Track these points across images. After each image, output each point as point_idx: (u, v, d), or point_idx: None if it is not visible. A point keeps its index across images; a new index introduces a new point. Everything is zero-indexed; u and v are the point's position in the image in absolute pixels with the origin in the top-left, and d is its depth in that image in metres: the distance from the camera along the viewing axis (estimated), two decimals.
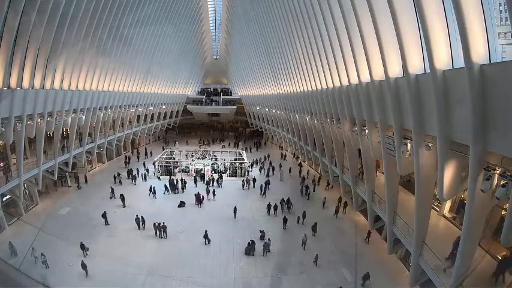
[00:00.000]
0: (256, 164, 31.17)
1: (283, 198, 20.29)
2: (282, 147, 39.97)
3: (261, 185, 23.69)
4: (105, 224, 17.82)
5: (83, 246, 14.74)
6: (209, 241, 16.32)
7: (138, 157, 34.03)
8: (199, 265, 14.37)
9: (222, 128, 53.59)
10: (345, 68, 13.78)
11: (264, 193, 23.06)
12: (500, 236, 6.82)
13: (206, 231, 16.43)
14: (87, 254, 14.66)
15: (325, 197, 21.74)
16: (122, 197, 20.66)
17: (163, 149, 35.31)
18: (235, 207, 19.39)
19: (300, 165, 30.68)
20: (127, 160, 31.11)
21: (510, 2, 5.10)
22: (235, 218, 19.09)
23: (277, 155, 36.22)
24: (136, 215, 17.79)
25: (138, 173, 26.99)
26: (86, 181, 24.95)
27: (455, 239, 10.33)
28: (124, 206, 20.40)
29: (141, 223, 17.57)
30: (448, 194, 8.92)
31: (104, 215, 17.98)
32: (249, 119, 48.39)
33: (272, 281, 13.53)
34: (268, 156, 34.10)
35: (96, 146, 27.57)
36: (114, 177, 25.23)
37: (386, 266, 14.45)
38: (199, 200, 21.09)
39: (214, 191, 22.61)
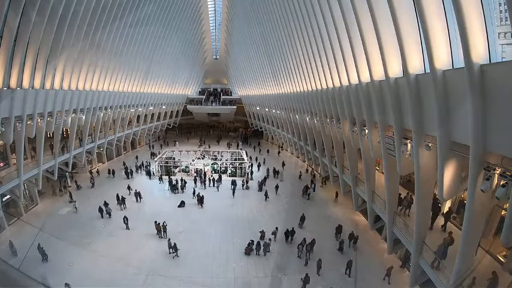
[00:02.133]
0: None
1: (287, 229, 16.53)
2: (281, 147, 39.95)
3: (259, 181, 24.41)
4: (126, 228, 17.46)
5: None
6: (268, 197, 21.54)
7: (136, 157, 34.13)
8: (199, 265, 14.37)
9: (222, 128, 53.65)
10: (345, 68, 13.79)
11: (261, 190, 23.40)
12: (500, 235, 6.83)
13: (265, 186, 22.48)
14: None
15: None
16: (123, 199, 20.30)
17: (174, 144, 39.53)
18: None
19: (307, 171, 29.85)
20: (111, 175, 26.96)
21: (510, 2, 5.10)
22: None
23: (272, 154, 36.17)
24: (135, 190, 21.45)
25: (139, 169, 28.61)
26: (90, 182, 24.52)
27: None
28: (125, 208, 20.16)
29: (138, 198, 21.25)
30: (448, 194, 8.93)
31: (125, 220, 17.52)
32: (249, 119, 48.39)
33: (272, 281, 13.52)
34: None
35: (96, 146, 27.59)
36: (100, 211, 18.85)
37: (386, 266, 14.44)
38: (199, 200, 21.03)
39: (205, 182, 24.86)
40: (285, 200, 22.29)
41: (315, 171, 28.30)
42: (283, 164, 29.90)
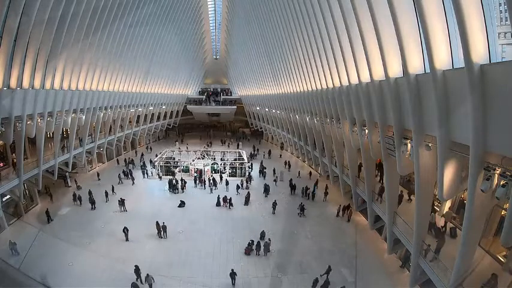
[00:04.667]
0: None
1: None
2: (282, 147, 39.93)
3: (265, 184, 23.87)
4: (126, 240, 16.14)
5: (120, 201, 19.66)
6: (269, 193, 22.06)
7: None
8: (199, 265, 14.37)
9: (222, 128, 53.77)
10: (345, 68, 13.79)
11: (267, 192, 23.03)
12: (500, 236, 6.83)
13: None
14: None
15: None
16: (122, 201, 19.84)
17: (175, 144, 39.30)
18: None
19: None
20: (78, 201, 20.65)
21: (510, 2, 5.10)
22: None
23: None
24: (120, 198, 19.92)
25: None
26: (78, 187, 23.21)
27: None
28: (125, 211, 19.82)
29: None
30: (448, 194, 8.93)
31: (125, 230, 16.22)
32: (249, 119, 48.42)
33: (272, 281, 13.52)
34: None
35: (96, 146, 27.59)
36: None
37: (386, 266, 14.45)
38: (226, 201, 20.90)
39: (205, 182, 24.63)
40: (285, 200, 22.27)
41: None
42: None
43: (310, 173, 27.92)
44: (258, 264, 14.61)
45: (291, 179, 24.60)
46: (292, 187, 23.53)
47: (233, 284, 13.17)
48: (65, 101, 19.99)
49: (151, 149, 38.18)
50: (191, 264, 14.42)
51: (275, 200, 20.52)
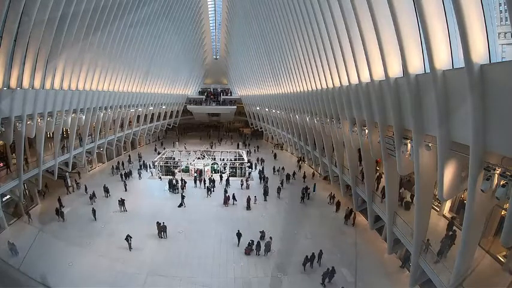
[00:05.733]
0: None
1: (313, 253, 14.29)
2: (281, 147, 39.89)
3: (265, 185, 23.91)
4: (129, 249, 15.28)
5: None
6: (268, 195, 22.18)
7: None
8: (199, 265, 14.37)
9: (222, 128, 53.79)
10: (345, 68, 13.79)
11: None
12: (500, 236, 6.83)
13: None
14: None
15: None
16: (122, 201, 19.86)
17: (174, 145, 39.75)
18: None
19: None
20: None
21: (510, 2, 5.10)
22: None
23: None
24: (120, 198, 20.00)
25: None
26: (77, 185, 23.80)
27: None
28: (125, 211, 19.86)
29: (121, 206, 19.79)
30: (448, 194, 8.93)
31: (128, 239, 15.27)
32: (249, 119, 48.42)
33: (272, 281, 13.52)
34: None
35: (96, 146, 27.59)
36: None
37: (386, 266, 14.45)
38: (227, 200, 21.29)
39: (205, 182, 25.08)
40: (285, 199, 22.28)
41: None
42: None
43: (300, 166, 30.26)
44: (258, 264, 14.60)
45: (283, 167, 27.96)
46: (287, 177, 26.14)
47: (238, 242, 15.90)
48: (65, 101, 19.99)
49: (162, 143, 42.84)
50: (191, 264, 14.41)
51: (279, 186, 23.23)
